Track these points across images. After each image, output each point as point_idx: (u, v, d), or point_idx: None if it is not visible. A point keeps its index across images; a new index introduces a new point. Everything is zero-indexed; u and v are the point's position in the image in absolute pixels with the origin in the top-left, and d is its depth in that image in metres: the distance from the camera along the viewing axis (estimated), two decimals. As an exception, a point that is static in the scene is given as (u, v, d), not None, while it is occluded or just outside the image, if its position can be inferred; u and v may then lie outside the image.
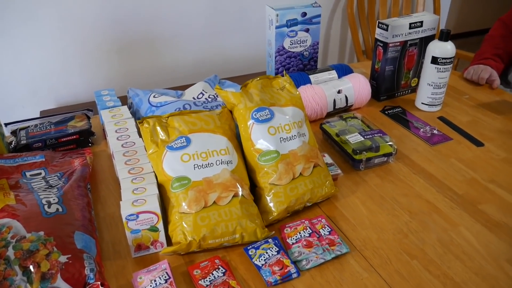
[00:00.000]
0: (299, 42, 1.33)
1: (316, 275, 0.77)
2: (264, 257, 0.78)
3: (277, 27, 1.28)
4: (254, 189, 0.89)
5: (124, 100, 1.28)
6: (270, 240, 0.82)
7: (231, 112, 0.93)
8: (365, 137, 1.05)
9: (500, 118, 1.25)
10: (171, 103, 1.09)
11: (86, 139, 1.10)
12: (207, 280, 0.74)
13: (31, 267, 0.68)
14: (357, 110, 1.31)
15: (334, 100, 1.22)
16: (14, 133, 1.10)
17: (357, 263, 0.79)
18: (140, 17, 2.01)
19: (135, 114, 1.14)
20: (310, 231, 0.84)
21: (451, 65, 1.22)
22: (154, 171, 0.85)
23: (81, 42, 1.96)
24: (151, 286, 0.72)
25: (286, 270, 0.75)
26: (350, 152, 1.03)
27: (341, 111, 1.27)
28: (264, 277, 0.75)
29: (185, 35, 2.16)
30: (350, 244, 0.83)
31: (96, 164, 1.06)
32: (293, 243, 0.82)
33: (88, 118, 1.16)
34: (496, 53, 1.51)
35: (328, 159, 1.01)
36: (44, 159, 0.96)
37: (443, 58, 1.20)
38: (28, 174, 0.92)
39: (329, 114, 1.25)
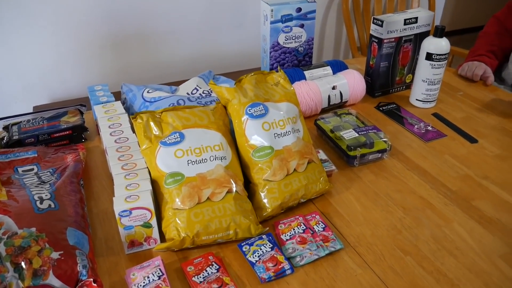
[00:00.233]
0: (294, 38, 1.33)
1: (310, 272, 0.76)
2: (258, 253, 0.78)
3: (272, 23, 1.27)
4: (248, 185, 0.89)
5: (117, 95, 1.27)
6: (264, 236, 0.82)
7: (225, 107, 0.92)
8: (360, 133, 1.05)
9: (494, 114, 1.25)
10: (165, 99, 1.08)
11: (79, 134, 1.10)
12: (200, 277, 0.74)
13: (22, 264, 0.67)
14: (351, 106, 1.30)
15: (329, 96, 1.22)
16: (6, 128, 1.09)
17: (351, 259, 0.79)
18: (134, 12, 2.00)
19: (129, 110, 1.14)
20: (304, 228, 0.84)
21: (446, 61, 1.22)
22: (147, 167, 0.85)
23: (74, 37, 1.94)
24: (144, 282, 0.72)
25: (280, 267, 0.75)
26: (344, 148, 1.03)
27: (336, 107, 1.26)
28: (258, 274, 0.75)
29: (180, 30, 2.14)
30: (344, 241, 0.83)
31: (89, 160, 1.06)
32: (287, 240, 0.81)
33: (81, 113, 1.15)
34: (491, 50, 1.51)
35: (322, 155, 1.01)
36: (36, 155, 0.95)
37: (437, 55, 1.20)
38: (20, 169, 0.91)
39: (324, 110, 1.25)
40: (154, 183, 0.83)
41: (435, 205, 0.91)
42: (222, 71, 2.26)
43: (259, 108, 0.88)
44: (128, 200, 0.76)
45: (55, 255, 0.69)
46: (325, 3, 2.47)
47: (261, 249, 0.79)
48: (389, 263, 0.78)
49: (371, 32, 1.29)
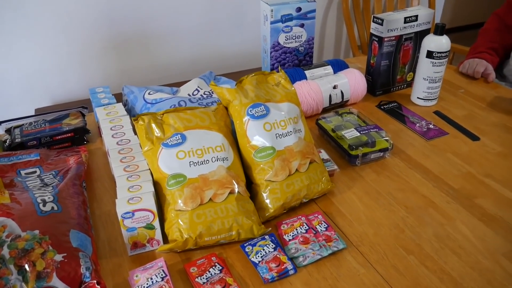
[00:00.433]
0: (294, 38, 1.33)
1: (313, 272, 0.77)
2: (260, 254, 0.78)
3: (272, 23, 1.27)
4: (250, 186, 0.89)
5: (119, 97, 1.27)
6: (266, 236, 0.82)
7: (226, 108, 0.92)
8: (361, 132, 1.05)
9: (495, 112, 1.25)
10: (166, 100, 1.08)
11: (81, 137, 1.10)
12: (203, 278, 0.74)
13: (26, 266, 0.67)
14: (353, 105, 1.30)
15: (330, 96, 1.22)
16: (8, 131, 1.09)
17: (353, 259, 0.79)
18: (135, 15, 2.00)
19: (130, 111, 1.14)
20: (307, 228, 0.84)
21: (447, 59, 1.22)
22: (149, 169, 0.85)
23: (75, 40, 1.94)
24: (147, 284, 0.72)
25: (283, 267, 0.75)
26: (346, 148, 1.02)
27: (337, 106, 1.26)
28: (261, 274, 0.75)
29: (180, 31, 2.14)
30: (346, 240, 0.83)
31: (91, 162, 1.06)
32: (289, 240, 0.81)
33: (83, 115, 1.15)
34: (491, 47, 1.51)
35: (324, 154, 1.01)
36: (39, 157, 0.96)
37: (438, 52, 1.20)
38: (23, 172, 0.91)
39: (325, 110, 1.25)
40: (156, 184, 0.83)
41: (437, 204, 0.91)
42: (223, 72, 2.26)
43: (261, 108, 0.88)
44: (131, 202, 0.76)
45: (58, 257, 0.69)
46: (325, 2, 2.47)
47: (264, 249, 0.79)
48: (392, 263, 0.78)
49: (371, 30, 1.29)
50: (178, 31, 2.14)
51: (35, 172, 0.92)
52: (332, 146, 1.10)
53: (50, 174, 0.91)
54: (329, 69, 1.32)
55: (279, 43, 1.32)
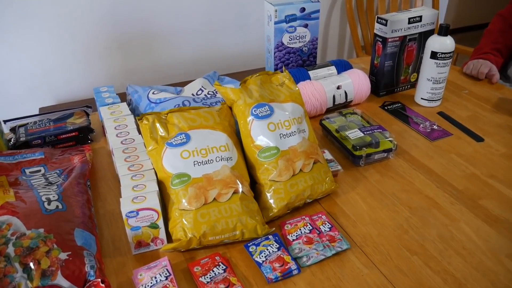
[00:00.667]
0: (298, 38, 1.33)
1: (317, 272, 0.77)
2: (264, 253, 0.78)
3: (276, 23, 1.28)
4: (254, 186, 0.89)
5: (123, 97, 1.27)
6: (270, 236, 0.82)
7: (230, 108, 0.92)
8: (365, 133, 1.05)
9: (499, 113, 1.25)
10: (170, 100, 1.09)
11: (85, 136, 1.10)
12: (207, 277, 0.74)
13: (31, 264, 0.68)
14: (356, 106, 1.30)
15: (334, 96, 1.22)
16: (13, 130, 1.09)
17: (357, 259, 0.79)
18: (139, 14, 2.01)
19: (134, 111, 1.14)
20: (311, 228, 0.84)
21: (451, 60, 1.22)
22: (153, 168, 0.85)
23: (79, 39, 1.95)
24: (151, 283, 0.72)
25: (286, 267, 0.76)
26: (350, 148, 1.02)
27: (341, 107, 1.26)
28: (265, 274, 0.75)
29: (184, 31, 2.15)
30: (350, 240, 0.83)
31: (96, 161, 1.06)
32: (293, 240, 0.82)
33: (87, 115, 1.16)
34: (496, 48, 1.51)
35: (328, 155, 1.01)
36: (43, 156, 0.96)
37: (442, 53, 1.19)
38: (27, 171, 0.91)
39: (329, 110, 1.25)
40: (160, 184, 0.83)
41: (441, 205, 0.91)
42: (227, 72, 2.26)
43: (265, 108, 0.88)
44: (135, 201, 0.76)
45: (63, 255, 0.70)
46: (329, 2, 2.47)
47: (267, 249, 0.79)
48: (395, 263, 0.78)
49: (375, 31, 1.29)
50: (182, 31, 2.14)
51: (39, 170, 0.92)
52: (336, 147, 1.10)
53: (54, 173, 0.91)
54: (333, 69, 1.32)
55: (283, 43, 1.32)
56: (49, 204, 0.78)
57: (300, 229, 0.83)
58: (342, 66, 1.34)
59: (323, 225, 0.85)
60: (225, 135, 0.87)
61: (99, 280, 0.70)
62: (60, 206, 0.79)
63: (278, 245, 0.80)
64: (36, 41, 1.87)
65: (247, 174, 0.87)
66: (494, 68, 1.43)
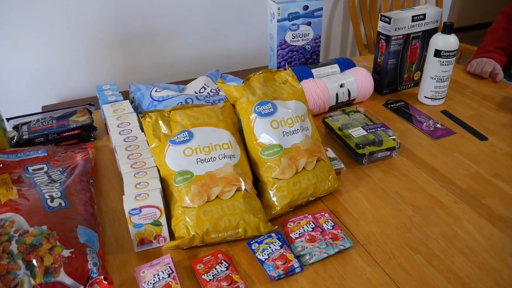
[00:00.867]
0: (301, 36, 1.32)
1: (320, 270, 0.76)
2: (267, 251, 0.78)
3: (278, 21, 1.27)
4: (257, 184, 0.89)
5: (126, 94, 1.27)
6: (273, 234, 0.82)
7: (233, 106, 0.92)
8: (368, 131, 1.05)
9: (503, 111, 1.24)
10: (173, 97, 1.09)
11: (88, 133, 1.10)
12: (210, 275, 0.74)
13: (34, 261, 0.68)
14: (359, 104, 1.30)
15: (337, 94, 1.21)
16: (16, 128, 1.10)
17: (360, 257, 0.79)
18: (141, 12, 2.01)
19: (137, 109, 1.14)
20: (313, 226, 0.83)
21: (454, 58, 1.21)
22: (156, 166, 0.85)
23: (82, 38, 1.95)
24: (154, 280, 0.72)
25: (289, 265, 0.75)
26: (353, 146, 1.02)
27: (344, 105, 1.26)
28: (267, 272, 0.75)
29: (187, 30, 2.15)
30: (353, 239, 0.83)
31: (98, 159, 1.06)
32: (296, 238, 0.81)
33: (90, 112, 1.16)
34: (499, 46, 1.50)
35: (331, 153, 1.01)
36: (46, 154, 0.96)
37: (446, 51, 1.19)
38: (30, 168, 0.91)
39: (332, 108, 1.24)
40: (163, 181, 0.83)
41: (444, 203, 0.91)
42: (229, 70, 2.26)
43: (268, 106, 0.88)
44: (138, 199, 0.76)
45: (66, 252, 0.70)
46: (332, 0, 2.46)
47: (270, 247, 0.79)
48: (398, 262, 0.78)
49: (378, 29, 1.28)
50: (184, 29, 2.14)
51: (42, 168, 0.92)
52: (339, 145, 1.10)
53: (57, 171, 0.91)
54: (336, 67, 1.32)
55: (286, 41, 1.32)
56: (52, 201, 0.78)
57: (303, 227, 0.83)
58: (345, 64, 1.34)
59: (326, 223, 0.85)
60: (228, 133, 0.86)
61: (102, 277, 0.70)
62: (63, 204, 0.79)
63: (280, 243, 0.80)
64: (39, 40, 1.88)
65: (250, 171, 0.87)
66: (498, 66, 1.42)
